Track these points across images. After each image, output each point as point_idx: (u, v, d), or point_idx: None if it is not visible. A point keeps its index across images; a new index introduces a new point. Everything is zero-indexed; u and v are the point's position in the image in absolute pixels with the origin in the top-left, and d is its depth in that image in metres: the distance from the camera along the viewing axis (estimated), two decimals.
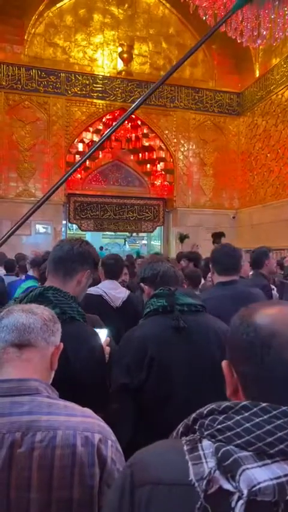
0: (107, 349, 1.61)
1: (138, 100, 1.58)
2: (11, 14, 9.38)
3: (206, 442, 0.65)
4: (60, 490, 0.90)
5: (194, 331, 1.50)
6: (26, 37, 9.92)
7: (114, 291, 2.84)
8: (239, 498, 0.58)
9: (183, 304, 1.54)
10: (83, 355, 1.36)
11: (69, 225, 11.39)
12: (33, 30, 10.06)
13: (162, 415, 1.40)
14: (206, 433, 0.66)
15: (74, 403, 1.03)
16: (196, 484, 0.61)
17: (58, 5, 10.25)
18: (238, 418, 0.64)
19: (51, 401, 0.99)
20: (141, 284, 1.73)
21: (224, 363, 0.76)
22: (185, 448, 0.66)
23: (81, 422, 0.96)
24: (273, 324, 0.69)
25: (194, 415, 0.71)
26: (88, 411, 1.02)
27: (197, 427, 0.68)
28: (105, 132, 1.46)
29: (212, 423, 0.66)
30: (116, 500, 0.69)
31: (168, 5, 11.00)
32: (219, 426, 0.65)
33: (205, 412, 0.69)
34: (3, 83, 9.67)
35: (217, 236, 9.71)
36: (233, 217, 11.40)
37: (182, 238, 10.64)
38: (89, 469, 0.92)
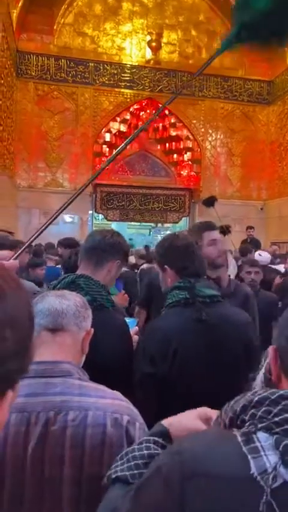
0: (135, 338, 1.65)
1: (171, 97, 1.59)
2: (41, 4, 9.42)
3: (261, 434, 0.62)
4: (91, 466, 0.95)
5: (215, 323, 1.51)
6: (55, 27, 9.94)
7: None
8: None
9: (204, 296, 1.54)
10: (112, 342, 1.40)
11: (95, 215, 11.48)
12: (63, 20, 10.07)
13: (182, 407, 1.42)
14: (260, 425, 0.63)
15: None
16: (259, 478, 0.58)
17: None
18: None
19: (82, 383, 1.03)
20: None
21: (270, 348, 0.74)
22: (239, 439, 0.63)
23: (110, 405, 1.00)
24: None
25: (243, 402, 0.66)
26: (118, 394, 1.06)
27: (247, 418, 0.65)
28: (140, 127, 1.48)
29: (266, 415, 0.63)
30: (159, 491, 0.63)
31: None
32: (276, 419, 0.62)
33: (256, 399, 0.65)
34: (33, 73, 9.77)
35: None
36: (261, 209, 11.18)
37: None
38: (118, 449, 0.95)
